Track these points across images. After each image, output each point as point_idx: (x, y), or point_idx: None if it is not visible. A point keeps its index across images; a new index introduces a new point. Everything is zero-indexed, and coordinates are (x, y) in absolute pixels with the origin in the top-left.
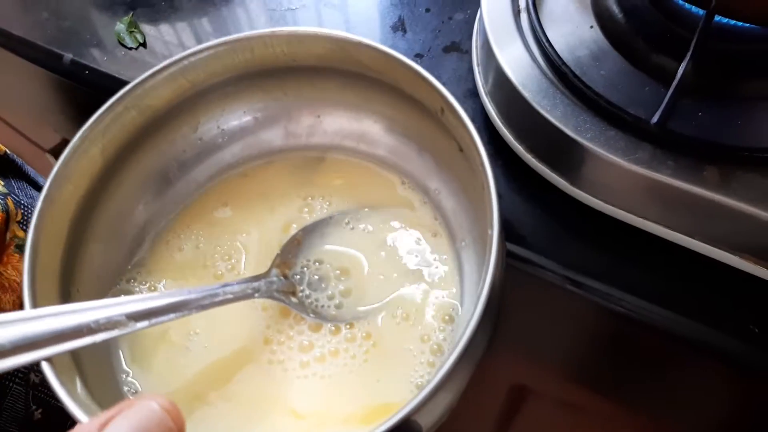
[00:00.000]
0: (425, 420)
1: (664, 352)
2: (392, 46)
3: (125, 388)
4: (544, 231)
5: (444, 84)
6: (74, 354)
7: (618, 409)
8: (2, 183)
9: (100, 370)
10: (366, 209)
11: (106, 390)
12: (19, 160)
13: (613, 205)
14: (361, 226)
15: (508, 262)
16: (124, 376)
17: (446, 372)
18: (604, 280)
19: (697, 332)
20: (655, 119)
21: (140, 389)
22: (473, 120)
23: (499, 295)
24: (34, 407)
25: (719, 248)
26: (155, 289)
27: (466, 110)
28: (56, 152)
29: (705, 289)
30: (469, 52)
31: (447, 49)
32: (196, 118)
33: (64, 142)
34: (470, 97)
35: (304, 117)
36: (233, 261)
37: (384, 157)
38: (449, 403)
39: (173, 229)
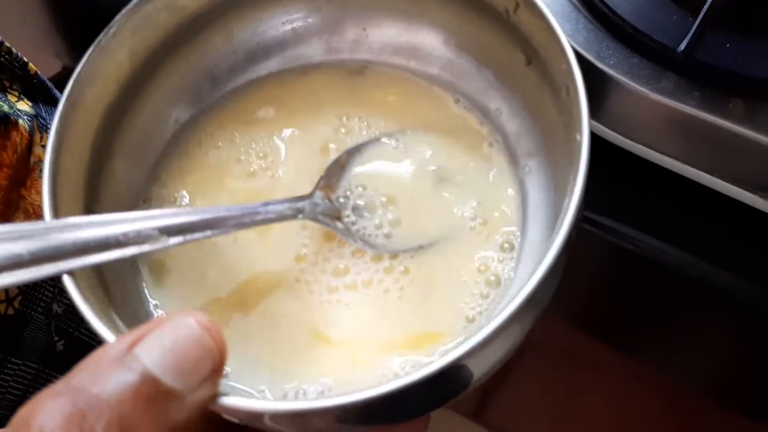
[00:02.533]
0: (478, 367)
1: (672, 296)
2: None
3: (153, 311)
4: None
5: None
6: (100, 277)
7: (618, 357)
8: (30, 104)
9: (126, 289)
10: (416, 130)
11: (134, 311)
12: (50, 84)
13: (631, 139)
14: (409, 148)
15: None
16: (149, 296)
17: (516, 308)
18: (616, 218)
19: (709, 273)
20: (681, 47)
21: (163, 312)
22: None
23: (578, 226)
24: (56, 338)
25: (738, 186)
26: (179, 197)
27: None
28: (58, 81)
29: (720, 230)
30: None
31: None
32: (230, 27)
33: (66, 71)
34: None
35: (348, 29)
36: (269, 160)
37: (436, 75)
38: (507, 351)
39: (206, 129)
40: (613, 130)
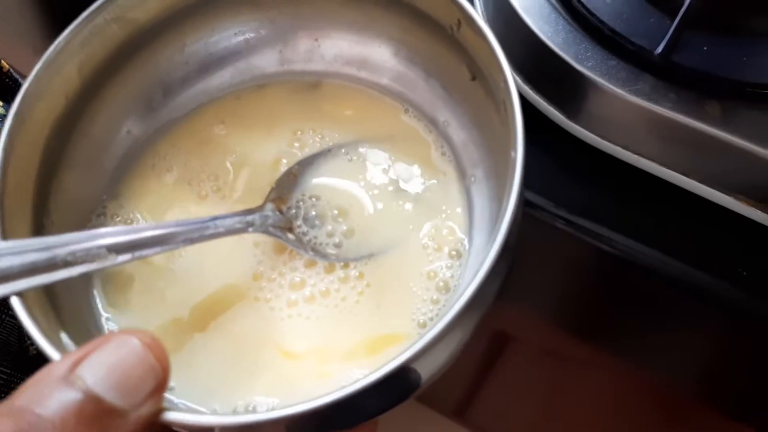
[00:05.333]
0: (426, 369)
1: (650, 295)
2: None
3: (105, 325)
4: (536, 167)
5: None
6: (50, 294)
7: (599, 356)
8: (1, 104)
9: (77, 305)
10: (366, 141)
11: (85, 327)
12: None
13: (608, 141)
14: (361, 158)
15: None
16: (103, 316)
17: (458, 311)
18: (595, 219)
19: (686, 274)
20: (658, 50)
21: (117, 327)
22: None
23: (517, 232)
24: (29, 342)
25: (714, 188)
26: (130, 221)
27: None
28: None
29: (696, 231)
30: None
31: None
32: (182, 38)
33: None
34: None
35: (300, 40)
36: (220, 182)
37: (387, 86)
38: (454, 350)
39: (157, 152)
40: (591, 131)
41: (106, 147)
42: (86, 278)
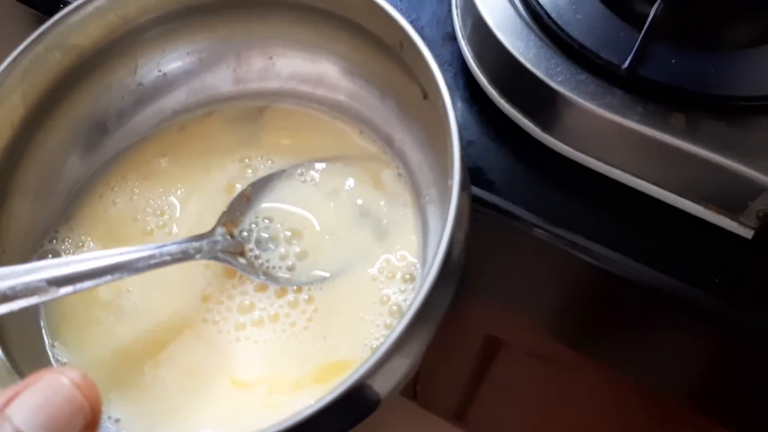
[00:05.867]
0: (381, 386)
1: (627, 303)
2: None
3: (52, 356)
4: (513, 177)
5: (422, 28)
6: None
7: (584, 360)
8: None
9: (24, 338)
10: (322, 162)
11: (34, 360)
12: None
13: (582, 152)
14: (315, 179)
15: (476, 208)
16: (48, 343)
17: (399, 334)
18: (569, 228)
19: (659, 281)
20: (625, 64)
21: (66, 360)
22: (450, 64)
23: (463, 250)
24: None
25: (684, 197)
26: (82, 245)
27: (442, 55)
28: None
29: (669, 239)
30: None
31: None
32: (133, 60)
33: None
34: (448, 41)
35: (254, 58)
36: (166, 217)
37: (343, 103)
38: (408, 367)
39: (107, 182)
40: (565, 143)
41: (56, 174)
42: (34, 312)
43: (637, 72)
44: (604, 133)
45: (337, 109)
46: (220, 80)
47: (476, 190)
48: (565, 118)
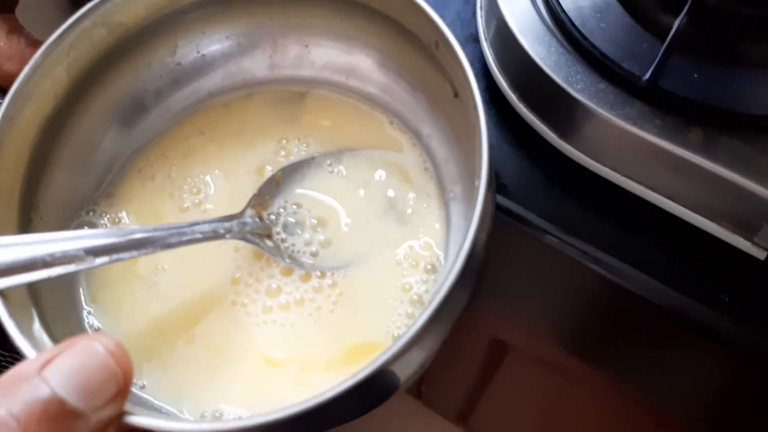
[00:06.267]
0: (400, 374)
1: (636, 316)
2: None
3: (86, 322)
4: (528, 182)
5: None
6: (31, 287)
7: (591, 369)
8: None
9: (60, 303)
10: (350, 151)
11: (67, 325)
12: None
13: (598, 162)
14: (344, 169)
15: None
16: (85, 309)
17: (420, 327)
18: (581, 237)
19: (668, 296)
20: (646, 75)
21: (100, 326)
22: (471, 65)
23: (483, 250)
24: None
25: (698, 213)
26: (119, 220)
27: (465, 55)
28: None
29: (681, 254)
30: None
31: None
32: (174, 41)
33: None
34: (471, 42)
35: (290, 46)
36: (201, 195)
37: (375, 95)
38: (426, 356)
39: (146, 157)
40: (581, 151)
41: (96, 146)
42: (73, 280)
43: (657, 84)
44: (621, 143)
45: (369, 99)
46: (257, 65)
47: None
48: (582, 127)
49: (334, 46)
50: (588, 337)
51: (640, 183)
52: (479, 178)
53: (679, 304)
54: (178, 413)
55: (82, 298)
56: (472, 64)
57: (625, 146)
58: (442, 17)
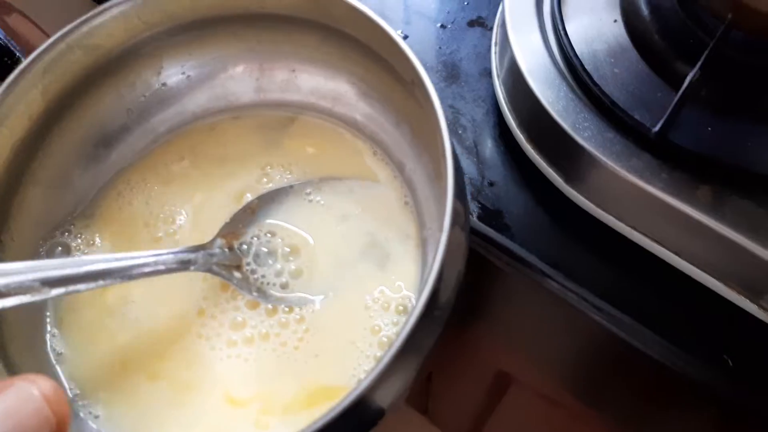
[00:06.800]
0: (365, 416)
1: (635, 367)
2: (416, 13)
3: (49, 345)
4: (531, 224)
5: (461, 60)
6: None
7: (590, 412)
8: None
9: (23, 322)
10: (331, 180)
11: (27, 345)
12: None
13: (603, 210)
14: (322, 199)
15: (492, 251)
16: (49, 332)
17: (381, 370)
18: (582, 284)
19: (670, 353)
20: (656, 127)
21: (63, 351)
22: (483, 101)
23: (452, 290)
24: None
25: (704, 271)
26: (92, 243)
27: (477, 90)
28: None
29: (684, 310)
30: (492, 29)
31: (471, 23)
32: (159, 62)
33: None
34: (485, 76)
35: (277, 71)
36: (176, 225)
37: (360, 123)
38: (393, 398)
39: (127, 180)
40: (587, 198)
41: (74, 167)
42: (41, 309)
43: (667, 137)
44: (626, 194)
45: (354, 127)
46: (243, 88)
47: (491, 233)
48: (588, 174)
49: (320, 73)
50: (588, 381)
51: (645, 235)
52: (442, 229)
53: (678, 360)
54: None
55: (47, 320)
56: (483, 99)
57: (631, 198)
58: (457, 49)
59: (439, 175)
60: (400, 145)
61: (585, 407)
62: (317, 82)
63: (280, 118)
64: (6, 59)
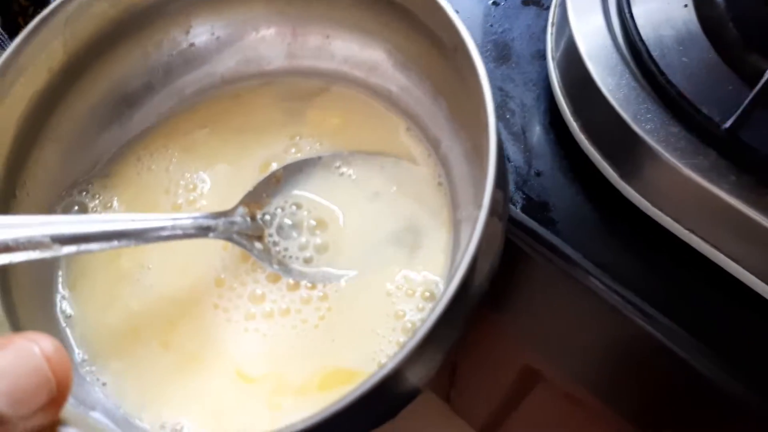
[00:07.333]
0: (384, 404)
1: (678, 379)
2: None
3: (59, 307)
4: (578, 220)
5: (513, 40)
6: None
7: (620, 419)
8: None
9: (33, 282)
10: (362, 155)
11: (36, 306)
12: None
13: (659, 209)
14: (352, 173)
15: (534, 246)
16: (60, 293)
17: (404, 357)
18: (630, 287)
19: (718, 369)
20: (727, 124)
21: (72, 313)
22: (534, 85)
23: (484, 280)
24: None
25: (764, 282)
26: (110, 206)
27: (529, 72)
28: None
29: (740, 328)
30: (549, 9)
31: (527, 2)
32: (187, 20)
33: None
34: (538, 59)
35: (311, 36)
36: (197, 192)
37: (395, 95)
38: (413, 388)
39: (147, 146)
40: (643, 196)
41: (94, 127)
42: (53, 264)
43: (738, 135)
44: (687, 195)
45: (388, 100)
46: (274, 52)
47: (535, 226)
48: (646, 170)
49: (355, 39)
50: (621, 386)
51: (703, 239)
52: (481, 205)
53: (726, 378)
54: (137, 420)
55: (60, 281)
56: (534, 83)
57: (692, 199)
58: (510, 28)
59: (478, 155)
60: (436, 120)
61: (615, 414)
62: (352, 49)
63: (309, 88)
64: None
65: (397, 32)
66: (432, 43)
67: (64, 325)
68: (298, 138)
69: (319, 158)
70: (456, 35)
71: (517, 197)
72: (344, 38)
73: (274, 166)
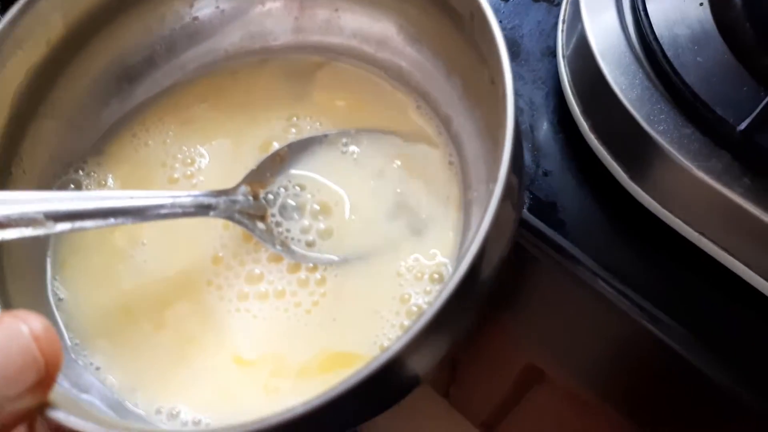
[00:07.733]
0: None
1: (685, 384)
2: None
3: (50, 288)
4: (586, 221)
5: (522, 36)
6: None
7: (622, 421)
8: None
9: (22, 261)
10: (369, 132)
11: (27, 287)
12: None
13: (670, 211)
14: (358, 151)
15: (541, 247)
16: (50, 273)
17: (409, 339)
18: (639, 290)
19: (728, 376)
20: (742, 126)
21: (65, 294)
22: (543, 82)
23: (494, 268)
24: None
25: None
26: (104, 183)
27: (538, 70)
28: None
29: (750, 334)
30: (560, 5)
31: None
32: None
33: None
34: (548, 56)
35: (319, 9)
36: (195, 167)
37: (405, 72)
38: (417, 375)
39: (143, 122)
40: (653, 198)
41: (93, 103)
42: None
43: (753, 138)
44: (699, 198)
45: (397, 77)
46: (280, 26)
47: (543, 227)
48: (657, 172)
49: (366, 12)
50: (626, 389)
51: (714, 243)
52: (495, 181)
53: (737, 386)
54: (131, 404)
55: (49, 260)
56: (543, 81)
57: (704, 202)
58: (519, 24)
59: (492, 133)
60: (448, 97)
61: (617, 415)
62: (362, 23)
63: (312, 64)
64: None
65: (409, 3)
66: (445, 14)
67: (54, 308)
68: (295, 119)
69: (325, 136)
70: (472, 1)
71: (525, 197)
72: (354, 11)
73: (276, 145)
